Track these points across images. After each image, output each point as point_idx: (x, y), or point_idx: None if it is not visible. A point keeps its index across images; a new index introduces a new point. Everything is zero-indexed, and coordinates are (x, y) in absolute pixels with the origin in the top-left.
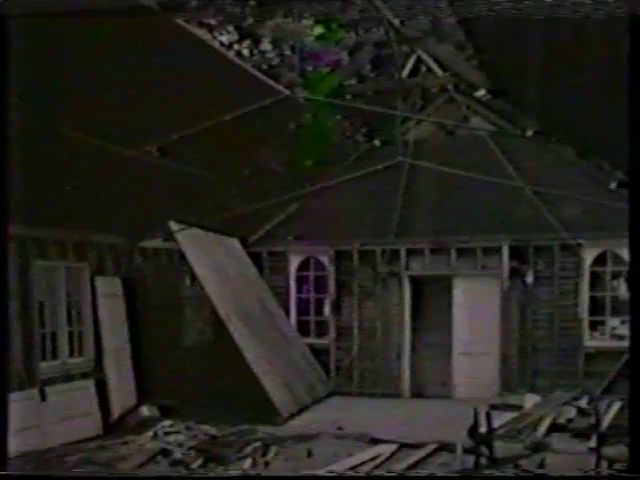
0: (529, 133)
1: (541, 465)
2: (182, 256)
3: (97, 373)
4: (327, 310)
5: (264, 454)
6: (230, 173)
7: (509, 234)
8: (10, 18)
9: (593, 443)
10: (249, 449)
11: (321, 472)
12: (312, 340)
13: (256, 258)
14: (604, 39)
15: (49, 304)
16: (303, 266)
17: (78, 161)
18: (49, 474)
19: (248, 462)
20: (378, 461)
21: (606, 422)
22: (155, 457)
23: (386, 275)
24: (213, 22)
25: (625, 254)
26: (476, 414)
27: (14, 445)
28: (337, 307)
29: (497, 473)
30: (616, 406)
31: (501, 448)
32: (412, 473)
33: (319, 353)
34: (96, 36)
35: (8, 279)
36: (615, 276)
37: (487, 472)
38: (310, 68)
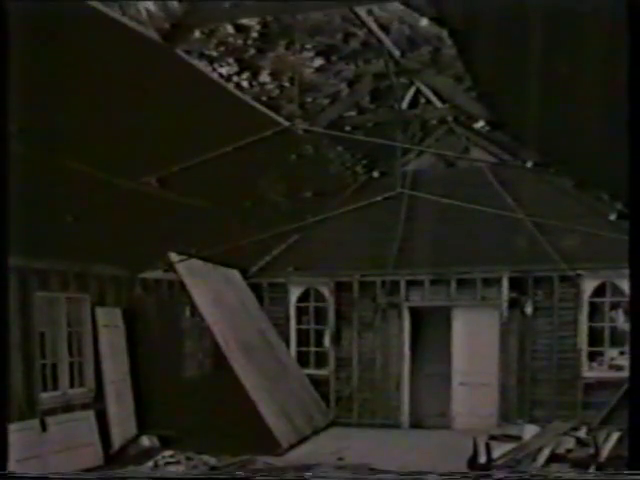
0: (528, 164)
1: None
2: (182, 287)
3: (98, 404)
4: (327, 341)
5: None
6: (230, 204)
7: (508, 265)
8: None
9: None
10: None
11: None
12: (312, 371)
13: (256, 289)
14: (603, 72)
15: (50, 335)
16: (303, 297)
17: (79, 192)
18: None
19: None
20: None
21: (605, 452)
22: None
23: (386, 306)
24: (214, 54)
25: (624, 285)
26: (475, 445)
27: None
28: (337, 338)
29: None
30: (615, 436)
31: None
32: None
33: (319, 384)
34: (97, 67)
35: (9, 310)
36: (614, 307)
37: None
38: (309, 99)
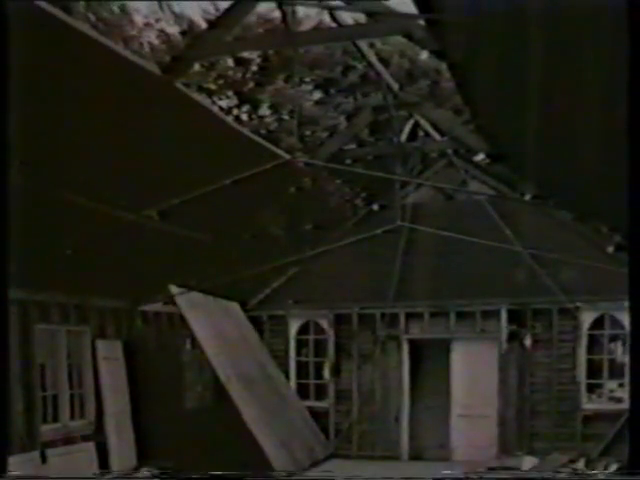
0: (527, 197)
1: None
2: (182, 319)
3: (98, 435)
4: (326, 373)
5: None
6: (230, 237)
7: (507, 298)
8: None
9: None
10: None
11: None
12: (311, 403)
13: (256, 322)
14: (602, 106)
15: (50, 367)
16: (303, 329)
17: (79, 225)
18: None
19: None
20: None
21: None
22: None
23: (385, 338)
24: (213, 87)
25: (622, 317)
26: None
27: None
28: (336, 370)
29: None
30: (613, 468)
31: None
32: None
33: (318, 416)
34: (97, 99)
35: (9, 342)
36: (613, 339)
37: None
38: (309, 132)
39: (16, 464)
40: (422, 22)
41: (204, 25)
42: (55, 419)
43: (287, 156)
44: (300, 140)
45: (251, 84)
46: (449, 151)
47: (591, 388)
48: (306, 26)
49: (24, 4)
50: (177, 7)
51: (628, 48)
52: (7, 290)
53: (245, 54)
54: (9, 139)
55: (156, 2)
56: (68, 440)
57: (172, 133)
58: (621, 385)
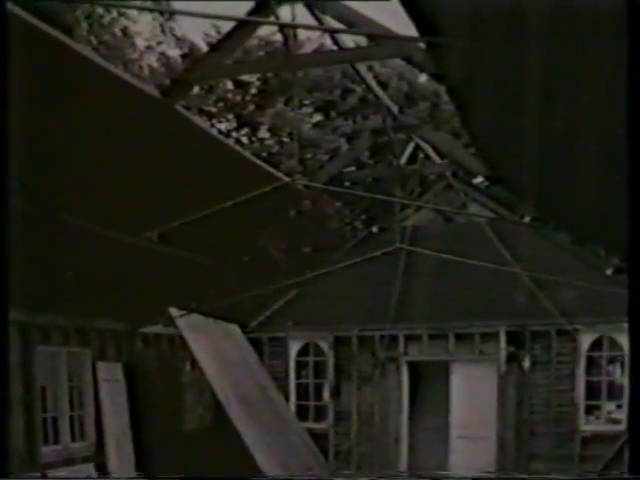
0: (526, 220)
1: None
2: (183, 341)
3: (98, 457)
4: (326, 395)
5: None
6: (230, 259)
7: (506, 320)
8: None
9: None
10: None
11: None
12: (311, 425)
13: (256, 343)
14: (602, 128)
15: (51, 389)
16: (302, 351)
17: (79, 247)
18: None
19: None
20: None
21: None
22: None
23: (385, 360)
24: (213, 109)
25: (621, 339)
26: None
27: None
28: (336, 392)
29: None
30: None
31: None
32: None
33: (318, 438)
34: (97, 122)
35: (9, 364)
36: (611, 361)
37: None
38: (309, 155)
39: None
40: (421, 45)
41: (205, 48)
42: (56, 441)
43: (287, 179)
44: (300, 163)
45: (251, 107)
46: (448, 174)
47: (589, 410)
48: (307, 49)
49: (25, 25)
50: (179, 30)
51: (627, 71)
52: (8, 312)
53: (245, 77)
54: (10, 162)
55: (158, 25)
56: (68, 462)
57: (172, 156)
58: (619, 407)
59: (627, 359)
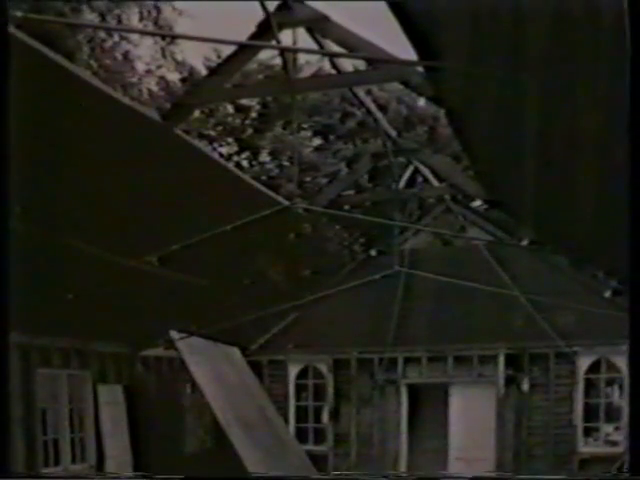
0: (524, 243)
1: None
2: (183, 364)
3: None
4: (325, 417)
5: None
6: (230, 282)
7: (505, 342)
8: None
9: None
10: None
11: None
12: (311, 447)
13: (256, 366)
14: (599, 151)
15: (51, 411)
16: (302, 374)
17: (79, 270)
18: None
19: None
20: None
21: None
22: None
23: (383, 383)
24: (213, 133)
25: (619, 362)
26: None
27: None
28: (335, 414)
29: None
30: None
31: None
32: None
33: (317, 460)
34: (97, 146)
35: (10, 386)
36: (609, 383)
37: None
38: (308, 179)
39: None
40: (420, 69)
41: (205, 72)
42: (56, 463)
43: (286, 202)
44: (299, 186)
45: (251, 131)
46: (447, 197)
47: (588, 431)
48: (306, 73)
49: (26, 49)
50: (180, 54)
51: (627, 93)
52: (8, 334)
53: (245, 101)
54: (10, 185)
55: (159, 49)
56: None
57: (172, 179)
58: (617, 428)
59: (625, 381)
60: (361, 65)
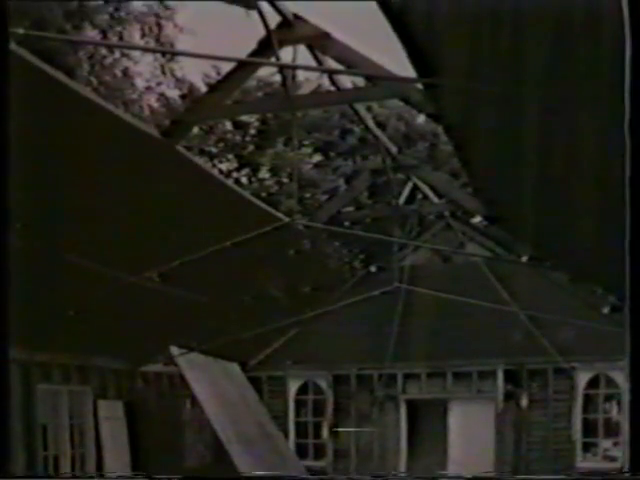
0: (524, 259)
1: None
2: (183, 380)
3: None
4: (325, 433)
5: None
6: (230, 299)
7: (504, 358)
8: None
9: None
10: None
11: None
12: (310, 462)
13: (256, 382)
14: (598, 168)
15: (52, 427)
16: (302, 390)
17: (80, 286)
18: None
19: None
20: None
21: None
22: None
23: (383, 399)
24: (213, 150)
25: (617, 377)
26: None
27: None
28: (335, 430)
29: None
30: None
31: None
32: None
33: (317, 475)
34: (98, 162)
35: (10, 402)
36: (608, 399)
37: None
38: (308, 195)
39: None
40: (419, 86)
41: (204, 89)
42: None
43: (286, 219)
44: (299, 203)
45: (251, 147)
46: (446, 213)
47: (586, 447)
48: (305, 90)
49: (26, 66)
50: (179, 71)
51: (626, 111)
52: (8, 350)
53: (244, 117)
54: (10, 201)
55: (159, 66)
56: None
57: (173, 195)
58: (616, 444)
59: (623, 397)
60: (361, 82)
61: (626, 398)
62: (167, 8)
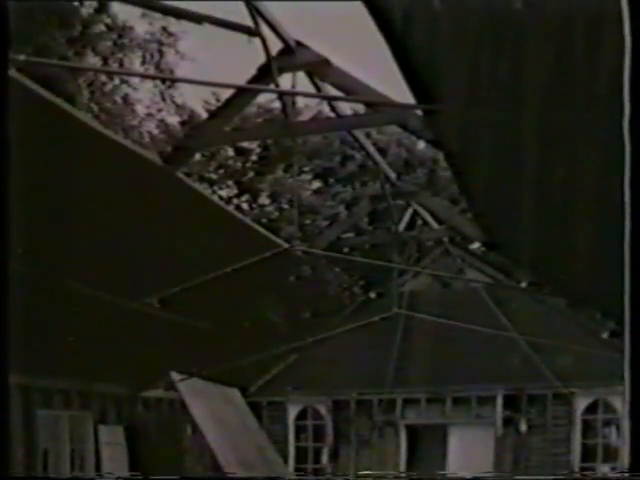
0: (523, 285)
1: None
2: (183, 405)
3: None
4: (325, 459)
5: None
6: (230, 324)
7: (503, 383)
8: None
9: None
10: None
11: None
12: None
13: (256, 407)
14: (598, 191)
15: (53, 452)
16: (301, 415)
17: (81, 312)
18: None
19: None
20: None
21: None
22: None
23: (383, 424)
24: (214, 176)
25: (616, 402)
26: None
27: None
28: (334, 456)
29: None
30: None
31: None
32: None
33: None
34: (98, 188)
35: (10, 427)
36: (606, 424)
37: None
38: (308, 221)
39: None
40: (419, 112)
41: (204, 115)
42: None
43: (286, 245)
44: (299, 229)
45: (251, 174)
46: (446, 239)
47: (585, 472)
48: (305, 116)
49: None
50: (179, 98)
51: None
52: (9, 375)
53: (245, 144)
54: (11, 227)
55: (159, 93)
56: None
57: (173, 222)
58: (614, 469)
59: (622, 422)
60: (360, 108)
61: (625, 423)
62: (170, 35)
